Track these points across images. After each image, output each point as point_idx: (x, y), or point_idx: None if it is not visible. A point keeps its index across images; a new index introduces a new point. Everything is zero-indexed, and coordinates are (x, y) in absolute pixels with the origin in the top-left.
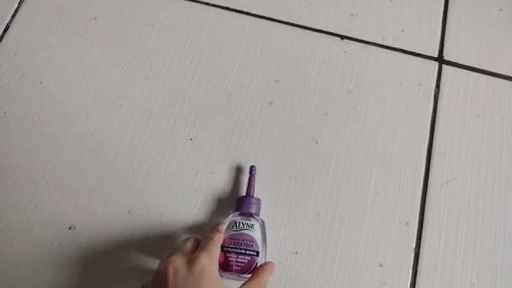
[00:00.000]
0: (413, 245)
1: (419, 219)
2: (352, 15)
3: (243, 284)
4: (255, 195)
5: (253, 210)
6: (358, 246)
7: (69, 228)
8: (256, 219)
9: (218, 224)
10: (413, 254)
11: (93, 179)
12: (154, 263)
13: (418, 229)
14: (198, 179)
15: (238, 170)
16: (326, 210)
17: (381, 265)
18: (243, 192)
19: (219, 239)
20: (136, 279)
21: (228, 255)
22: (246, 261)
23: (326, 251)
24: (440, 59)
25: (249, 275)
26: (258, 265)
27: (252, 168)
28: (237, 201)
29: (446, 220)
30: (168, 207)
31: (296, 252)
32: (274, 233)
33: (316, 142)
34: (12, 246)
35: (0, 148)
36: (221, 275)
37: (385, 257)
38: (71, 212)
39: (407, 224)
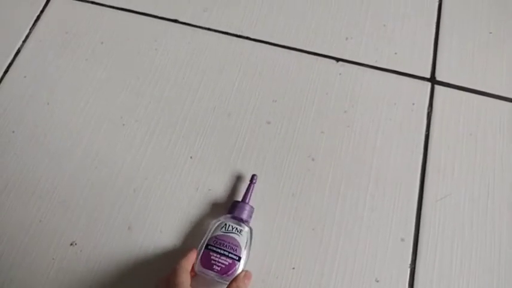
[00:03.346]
0: (409, 261)
1: (414, 235)
2: (347, 38)
3: None
4: (250, 204)
5: (244, 216)
6: (355, 261)
7: (71, 244)
8: (246, 226)
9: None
10: (409, 269)
11: (96, 196)
12: (153, 278)
13: (413, 245)
14: (198, 195)
15: (237, 187)
16: (323, 227)
17: (377, 280)
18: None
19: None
20: None
21: (211, 253)
22: (227, 263)
23: (323, 266)
24: (432, 80)
25: (228, 277)
26: (237, 271)
27: (253, 177)
28: (232, 204)
29: (442, 236)
30: (168, 224)
31: (293, 268)
32: (271, 248)
33: (313, 160)
34: (15, 261)
35: (7, 166)
36: (201, 273)
37: (382, 272)
38: (73, 228)
39: (402, 240)
